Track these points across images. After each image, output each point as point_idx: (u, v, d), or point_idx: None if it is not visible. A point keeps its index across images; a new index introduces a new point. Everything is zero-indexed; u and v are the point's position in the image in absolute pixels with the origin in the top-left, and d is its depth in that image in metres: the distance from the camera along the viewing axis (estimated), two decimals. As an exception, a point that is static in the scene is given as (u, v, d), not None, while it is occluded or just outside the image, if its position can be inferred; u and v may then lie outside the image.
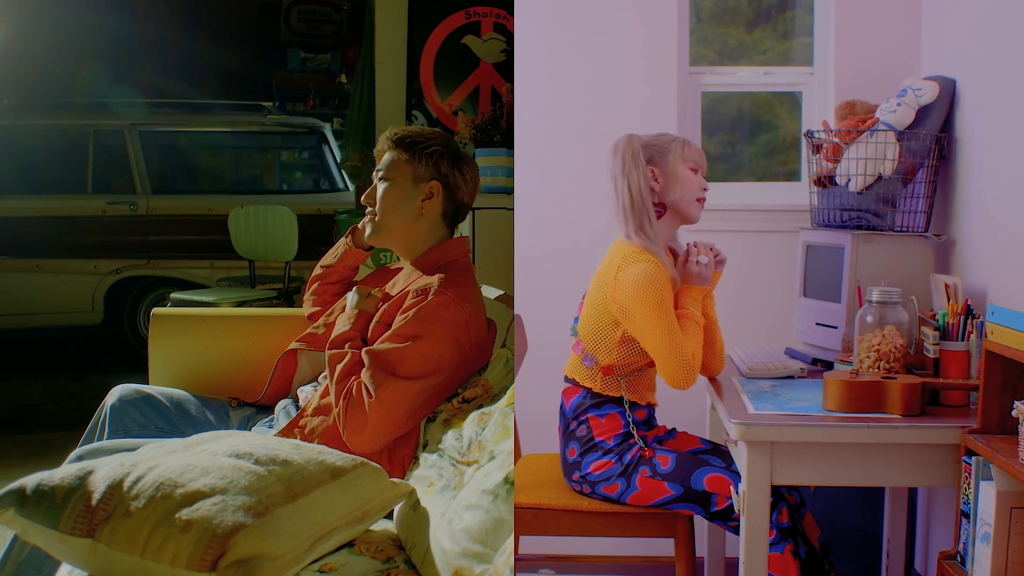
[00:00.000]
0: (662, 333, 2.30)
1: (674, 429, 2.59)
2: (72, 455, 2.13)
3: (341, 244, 2.56)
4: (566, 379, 2.47)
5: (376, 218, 2.31)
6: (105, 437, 2.37)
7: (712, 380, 2.57)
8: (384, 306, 2.23)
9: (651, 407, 2.48)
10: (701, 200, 2.47)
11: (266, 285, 5.67)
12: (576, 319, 2.48)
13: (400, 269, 2.42)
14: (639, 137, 2.45)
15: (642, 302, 2.30)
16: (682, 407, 3.00)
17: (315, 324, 2.50)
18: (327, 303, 2.56)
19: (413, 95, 4.69)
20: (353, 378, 2.11)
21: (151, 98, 6.44)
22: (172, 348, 2.66)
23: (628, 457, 2.37)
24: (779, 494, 2.25)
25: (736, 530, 2.27)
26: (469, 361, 2.17)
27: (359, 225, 2.46)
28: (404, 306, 2.15)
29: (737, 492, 2.20)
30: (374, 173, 2.35)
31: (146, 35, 7.33)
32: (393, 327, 2.14)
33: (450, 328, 2.12)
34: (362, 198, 2.35)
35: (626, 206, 2.40)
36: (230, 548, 1.44)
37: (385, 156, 2.33)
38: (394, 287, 2.34)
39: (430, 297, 2.13)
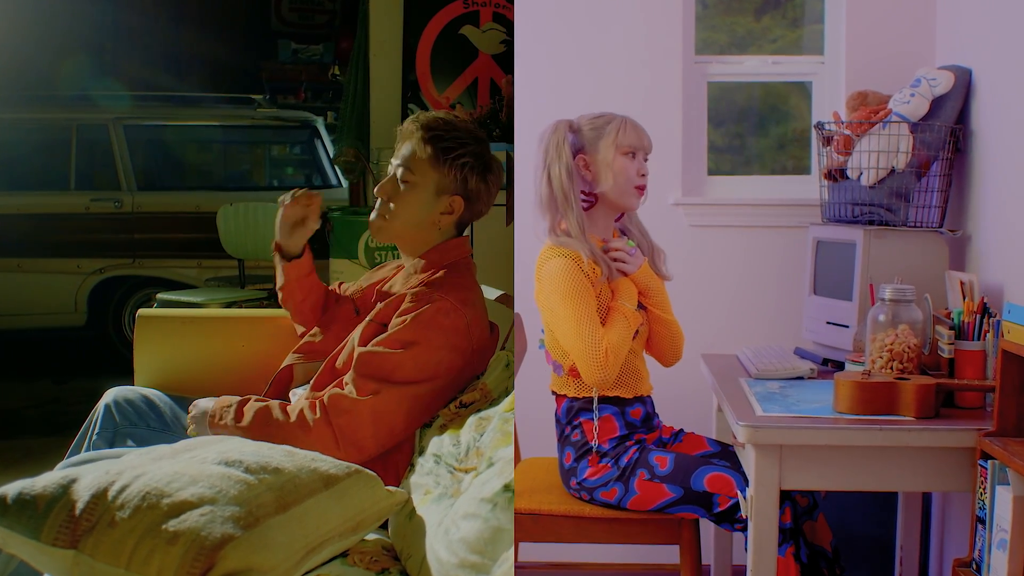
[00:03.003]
0: (574, 324, 2.30)
1: (681, 431, 2.59)
2: (59, 466, 2.13)
3: (277, 263, 2.48)
4: (552, 393, 2.49)
5: (385, 218, 2.24)
6: (95, 435, 2.37)
7: (718, 380, 2.57)
8: (380, 305, 2.22)
9: (645, 404, 2.47)
10: (639, 188, 2.42)
11: (256, 285, 5.67)
12: (543, 329, 2.49)
13: (400, 265, 2.40)
14: (571, 122, 2.43)
15: (556, 294, 2.32)
16: (688, 408, 3.00)
17: (311, 332, 2.48)
18: (312, 320, 2.51)
19: (409, 88, 4.68)
20: (333, 388, 2.11)
21: (136, 91, 6.42)
22: (158, 351, 2.65)
23: (625, 460, 2.37)
24: (784, 494, 2.25)
25: (743, 530, 2.27)
26: (471, 367, 2.17)
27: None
28: (401, 308, 2.14)
29: (744, 495, 2.20)
30: (392, 162, 2.26)
31: (131, 25, 7.32)
32: (389, 330, 2.12)
33: (450, 335, 2.11)
34: (375, 188, 2.26)
35: (544, 201, 2.39)
36: (219, 561, 1.45)
37: (408, 145, 2.22)
38: (392, 286, 2.32)
39: (430, 302, 2.11)
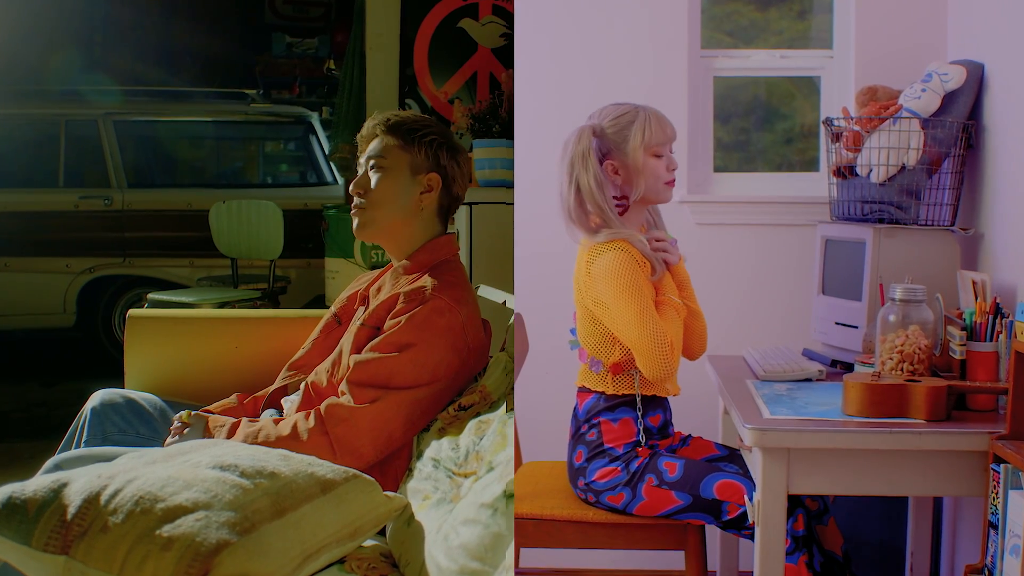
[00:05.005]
0: (636, 318, 2.29)
1: (689, 436, 2.60)
2: (49, 462, 2.14)
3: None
4: (579, 388, 2.48)
5: (366, 211, 2.24)
6: (83, 442, 2.37)
7: (724, 382, 2.57)
8: (370, 308, 2.22)
9: (666, 412, 2.48)
10: (670, 183, 2.43)
11: (250, 285, 5.68)
12: (573, 330, 2.48)
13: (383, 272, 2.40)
14: (594, 127, 2.40)
15: (614, 288, 2.31)
16: (694, 412, 3.00)
17: (304, 346, 2.45)
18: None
19: (406, 82, 4.70)
20: (329, 397, 2.11)
21: (127, 85, 6.43)
22: (149, 352, 2.66)
23: (635, 465, 2.37)
24: (796, 499, 2.25)
25: (752, 537, 2.28)
26: (468, 368, 2.17)
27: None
28: (395, 310, 2.14)
29: (751, 500, 2.21)
30: (361, 160, 2.29)
31: (122, 18, 7.33)
32: (383, 334, 2.12)
33: (446, 334, 2.11)
34: (351, 187, 2.28)
35: (573, 213, 2.37)
36: (214, 568, 1.45)
37: (375, 142, 2.27)
38: (380, 291, 2.32)
39: (423, 302, 2.11)
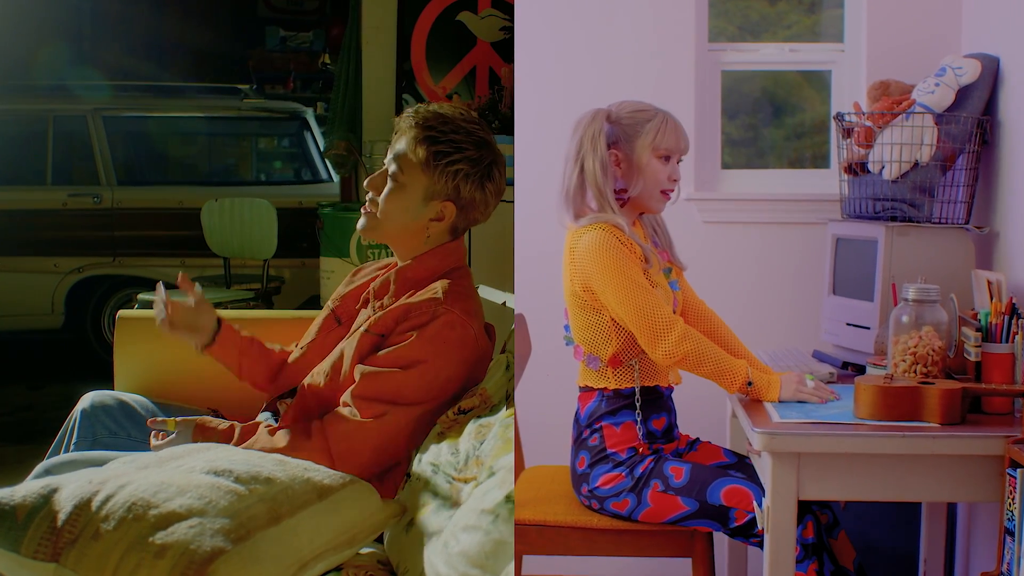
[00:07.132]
0: (626, 293, 2.29)
1: (697, 440, 2.60)
2: (39, 467, 2.14)
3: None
4: (580, 388, 2.48)
5: (373, 216, 2.21)
6: (73, 444, 2.37)
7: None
8: (376, 315, 2.20)
9: (670, 414, 2.48)
10: (666, 192, 2.44)
11: (243, 285, 5.68)
12: (567, 326, 2.48)
13: (385, 266, 2.38)
14: (609, 112, 2.42)
15: (600, 268, 2.31)
16: (700, 415, 3.00)
17: (299, 346, 2.43)
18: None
19: (403, 77, 4.69)
20: (334, 410, 2.10)
21: (117, 80, 6.44)
22: (140, 354, 2.66)
23: (639, 471, 2.37)
24: (805, 506, 2.25)
25: (760, 545, 2.28)
26: (474, 377, 2.16)
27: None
28: (404, 323, 2.11)
29: (760, 506, 2.21)
30: (388, 155, 2.21)
31: (111, 11, 7.34)
32: (392, 347, 2.10)
33: (458, 348, 2.10)
34: (365, 182, 2.23)
35: (571, 192, 2.39)
36: None
37: (403, 142, 2.17)
38: (382, 289, 2.29)
39: (435, 316, 2.09)
